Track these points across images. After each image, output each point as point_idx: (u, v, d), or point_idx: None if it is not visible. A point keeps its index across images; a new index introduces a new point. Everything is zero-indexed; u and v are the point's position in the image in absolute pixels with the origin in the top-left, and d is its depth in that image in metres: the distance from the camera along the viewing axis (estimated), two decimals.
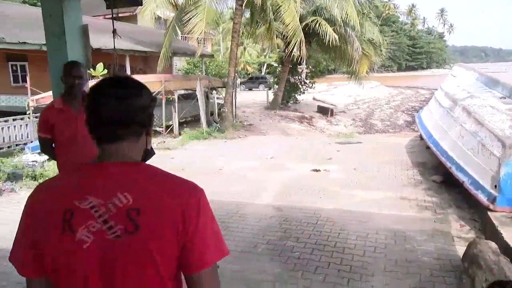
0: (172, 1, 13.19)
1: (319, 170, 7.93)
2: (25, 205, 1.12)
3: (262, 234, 4.86)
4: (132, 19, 21.21)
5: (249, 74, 42.03)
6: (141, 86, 1.17)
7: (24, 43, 9.79)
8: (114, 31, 3.52)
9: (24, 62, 12.08)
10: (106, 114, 1.08)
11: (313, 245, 4.50)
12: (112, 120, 1.08)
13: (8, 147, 9.15)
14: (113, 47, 12.14)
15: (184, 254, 1.06)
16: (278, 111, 19.67)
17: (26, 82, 11.33)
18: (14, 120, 9.33)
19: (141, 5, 3.49)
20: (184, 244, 1.05)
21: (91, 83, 7.35)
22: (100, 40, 12.76)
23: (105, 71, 10.54)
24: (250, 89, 36.54)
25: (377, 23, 39.75)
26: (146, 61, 16.52)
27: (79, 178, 1.10)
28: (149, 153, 1.23)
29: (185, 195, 1.09)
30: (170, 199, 1.06)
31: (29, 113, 9.82)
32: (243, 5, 15.14)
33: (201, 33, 11.47)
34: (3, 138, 9.07)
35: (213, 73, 22.84)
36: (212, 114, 14.85)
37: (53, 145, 3.32)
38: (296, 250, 4.38)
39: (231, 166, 8.55)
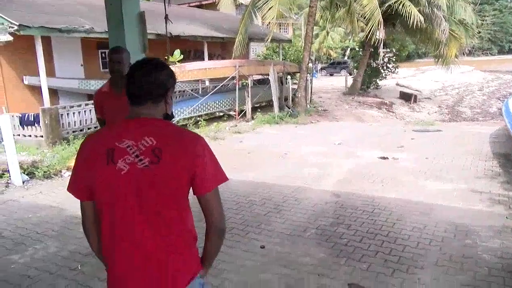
0: None
1: (387, 158, 7.60)
2: (78, 149, 1.59)
3: (314, 219, 4.83)
4: (214, 6, 21.80)
5: (331, 59, 41.15)
6: (163, 67, 1.57)
7: (106, 31, 10.56)
8: (166, 17, 3.68)
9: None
10: (133, 86, 1.53)
11: (363, 233, 4.37)
12: (137, 90, 1.52)
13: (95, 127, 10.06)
14: (192, 34, 12.58)
15: (193, 182, 1.48)
16: (356, 97, 19.08)
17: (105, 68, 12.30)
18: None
19: None
20: (193, 175, 1.46)
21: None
22: (179, 27, 13.34)
23: (182, 56, 11.03)
24: (331, 75, 35.87)
25: (475, 1, 36.34)
26: (224, 47, 16.93)
27: (117, 128, 1.56)
28: (168, 116, 1.60)
29: (193, 141, 1.51)
30: (182, 142, 1.48)
31: None
32: None
33: (273, 18, 11.45)
34: (91, 119, 9.97)
35: (292, 58, 22.66)
36: (286, 99, 14.84)
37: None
38: (345, 237, 4.29)
39: (297, 151, 8.53)
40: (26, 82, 10.02)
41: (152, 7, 17.72)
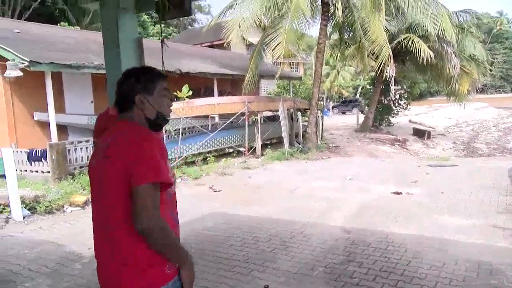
0: (259, 24, 13.49)
1: (400, 193, 7.27)
2: None
3: (323, 256, 4.51)
4: (226, 46, 22.24)
5: (343, 97, 41.38)
6: (129, 75, 1.70)
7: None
8: (162, 41, 3.58)
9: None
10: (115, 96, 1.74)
11: (376, 271, 4.02)
12: (116, 98, 1.73)
13: None
14: (201, 71, 12.65)
15: (130, 175, 1.51)
16: (368, 134, 18.84)
17: None
18: None
19: (190, 15, 3.54)
20: (130, 169, 1.50)
21: (176, 104, 7.61)
22: (189, 64, 13.52)
23: (190, 92, 11.04)
24: (343, 113, 35.92)
25: (484, 39, 36.51)
26: (234, 84, 17.03)
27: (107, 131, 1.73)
28: (154, 121, 1.67)
29: (135, 139, 1.55)
30: (125, 141, 1.56)
31: None
32: (332, 25, 14.99)
33: (281, 53, 11.50)
34: None
35: (303, 95, 22.75)
36: (296, 135, 14.69)
37: None
38: (356, 275, 3.95)
39: (307, 186, 8.27)
40: (36, 118, 10.06)
41: (157, 44, 18.13)
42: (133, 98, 1.64)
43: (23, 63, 8.19)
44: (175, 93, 10.90)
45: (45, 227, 6.11)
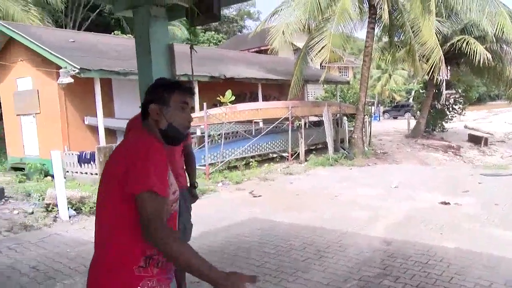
0: (304, 29, 13.36)
1: (448, 203, 6.85)
2: None
3: (357, 268, 4.31)
4: (272, 51, 22.28)
5: (395, 102, 40.13)
6: (151, 86, 1.71)
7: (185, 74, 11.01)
8: (191, 47, 3.59)
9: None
10: None
11: (413, 287, 3.78)
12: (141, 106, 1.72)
13: None
14: (246, 77, 12.73)
15: (125, 181, 1.48)
16: (419, 140, 18.07)
17: None
18: None
19: (219, 20, 3.52)
20: (125, 176, 1.48)
21: (216, 110, 7.68)
22: (235, 70, 13.64)
23: (233, 97, 11.11)
24: (395, 118, 34.80)
25: None
26: (280, 89, 16.98)
27: None
28: (167, 132, 1.65)
29: (136, 146, 1.54)
30: (127, 147, 1.59)
31: None
32: (381, 28, 14.57)
33: (326, 56, 11.30)
34: None
35: (351, 100, 22.26)
36: (342, 141, 14.37)
37: None
38: None
39: (349, 193, 8.02)
40: (86, 122, 10.55)
41: (205, 51, 18.45)
42: (147, 108, 1.65)
43: (74, 70, 8.62)
44: (218, 98, 11.03)
45: (89, 227, 6.33)
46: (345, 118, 15.07)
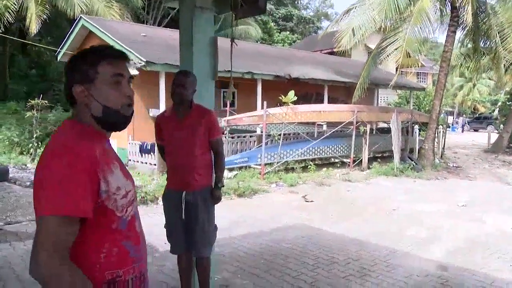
0: (377, 30, 12.68)
1: None
2: None
3: None
4: (345, 53, 21.61)
5: (478, 113, 37.29)
6: (67, 63, 1.35)
7: (229, 71, 10.98)
8: (232, 40, 3.40)
9: (234, 89, 13.69)
10: None
11: None
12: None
13: None
14: (311, 77, 12.39)
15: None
16: (500, 156, 16.45)
17: (231, 106, 12.75)
18: None
19: (265, 12, 3.30)
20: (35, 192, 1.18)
21: (276, 109, 7.47)
22: (300, 70, 13.33)
23: (295, 98, 10.83)
24: (476, 130, 32.38)
25: None
26: (349, 92, 16.33)
27: None
28: (101, 118, 1.33)
29: (47, 151, 1.22)
30: (44, 151, 1.24)
31: (226, 133, 10.93)
32: (465, 32, 13.41)
33: (399, 59, 10.57)
34: None
35: (427, 108, 20.91)
36: (411, 151, 13.49)
37: None
38: None
39: (409, 208, 7.42)
40: (151, 114, 10.88)
41: (272, 50, 18.30)
42: (70, 90, 1.28)
43: (140, 63, 8.89)
44: (280, 98, 10.82)
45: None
46: (416, 126, 14.12)
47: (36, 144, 10.32)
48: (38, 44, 18.35)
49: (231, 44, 3.42)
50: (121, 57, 1.32)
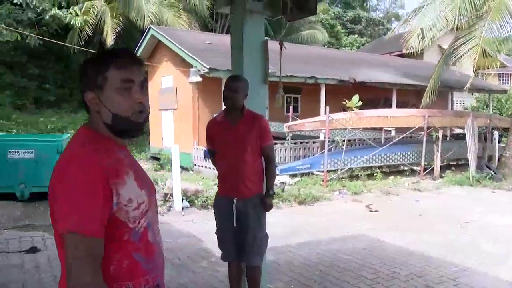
0: (451, 29, 11.89)
1: None
2: None
3: None
4: (418, 55, 20.57)
5: None
6: (80, 69, 1.31)
7: (292, 76, 10.91)
8: (281, 43, 3.31)
9: (297, 95, 13.55)
10: None
11: None
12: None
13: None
14: (378, 81, 11.95)
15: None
16: None
17: (295, 112, 12.62)
18: (275, 144, 10.53)
19: (315, 14, 3.14)
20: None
21: (339, 115, 7.30)
22: (368, 73, 12.88)
23: (360, 103, 10.45)
24: None
25: None
26: (420, 96, 15.54)
27: None
28: (113, 125, 1.29)
29: (57, 165, 1.18)
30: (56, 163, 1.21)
31: (288, 139, 10.84)
32: None
33: (474, 59, 9.76)
34: None
35: (510, 112, 19.21)
36: (490, 159, 12.44)
37: None
38: None
39: (484, 221, 6.80)
40: None
41: (336, 53, 17.87)
42: (83, 96, 1.27)
43: (204, 70, 9.10)
44: (343, 103, 10.50)
45: (197, 220, 6.57)
46: (496, 132, 13.00)
47: None
48: None
49: (280, 48, 3.34)
50: (132, 62, 1.26)
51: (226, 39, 14.58)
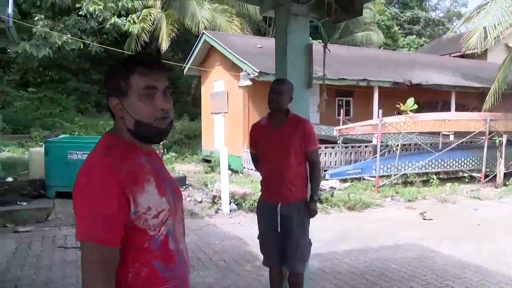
0: None
1: None
2: None
3: None
4: (481, 55, 19.43)
5: None
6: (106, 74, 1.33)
7: (343, 78, 10.70)
8: (325, 45, 3.23)
9: (349, 98, 13.25)
10: None
11: None
12: None
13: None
14: (436, 83, 11.46)
15: None
16: None
17: (346, 115, 12.36)
18: (325, 148, 10.34)
19: (361, 14, 3.03)
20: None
21: (392, 118, 7.10)
22: (423, 75, 12.36)
23: (416, 106, 10.02)
24: None
25: None
26: (482, 98, 14.66)
27: None
28: (136, 131, 1.29)
29: (79, 171, 1.20)
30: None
31: (339, 142, 10.61)
32: None
33: None
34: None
35: None
36: None
37: None
38: None
39: None
40: None
41: (390, 55, 17.26)
42: (107, 102, 1.28)
43: (254, 73, 9.16)
44: (397, 106, 10.13)
45: (244, 223, 6.61)
46: None
47: (162, 151, 11.31)
48: (168, 61, 20.32)
49: (324, 50, 3.26)
50: (156, 68, 1.25)
51: None
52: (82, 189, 1.16)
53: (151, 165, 1.29)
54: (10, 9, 7.90)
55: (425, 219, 7.22)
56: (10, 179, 7.18)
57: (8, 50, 15.74)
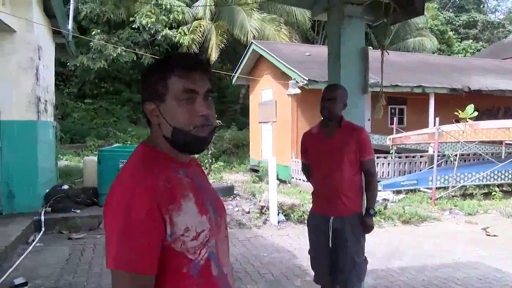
0: None
1: None
2: None
3: None
4: None
5: None
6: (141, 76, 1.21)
7: (396, 85, 10.27)
8: (382, 48, 3.02)
9: (403, 105, 12.72)
10: None
11: None
12: None
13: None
14: (497, 89, 10.80)
15: None
16: None
17: (400, 124, 11.87)
18: (377, 157, 9.95)
19: (422, 14, 2.80)
20: None
21: (450, 126, 6.71)
22: (484, 81, 11.63)
23: (475, 113, 9.41)
24: None
25: None
26: None
27: None
28: (172, 138, 1.17)
29: (111, 187, 1.08)
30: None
31: (392, 152, 10.17)
32: None
33: None
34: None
35: None
36: None
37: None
38: None
39: None
40: None
41: (446, 60, 16.43)
42: (143, 109, 1.15)
43: (303, 82, 9.00)
44: (456, 113, 9.55)
45: (292, 235, 6.42)
46: None
47: (211, 160, 11.38)
48: (217, 71, 20.64)
49: (382, 53, 3.06)
50: (197, 69, 1.11)
51: (325, 49, 14.47)
52: (111, 208, 1.03)
53: (190, 179, 1.15)
54: (70, 25, 8.32)
55: (489, 235, 6.68)
56: (66, 186, 7.44)
57: (68, 64, 16.65)
